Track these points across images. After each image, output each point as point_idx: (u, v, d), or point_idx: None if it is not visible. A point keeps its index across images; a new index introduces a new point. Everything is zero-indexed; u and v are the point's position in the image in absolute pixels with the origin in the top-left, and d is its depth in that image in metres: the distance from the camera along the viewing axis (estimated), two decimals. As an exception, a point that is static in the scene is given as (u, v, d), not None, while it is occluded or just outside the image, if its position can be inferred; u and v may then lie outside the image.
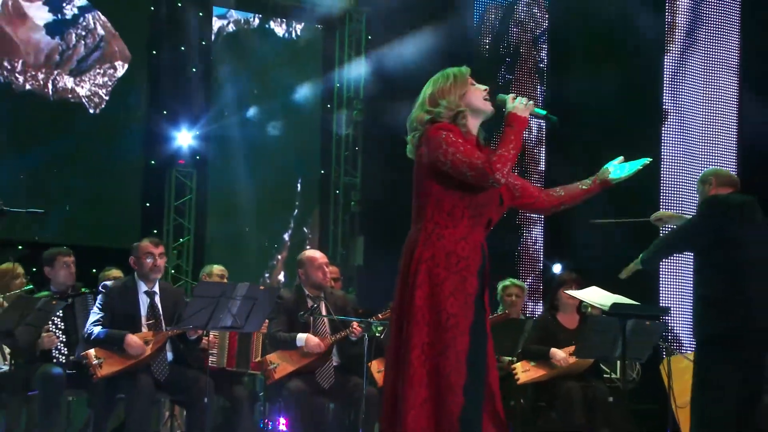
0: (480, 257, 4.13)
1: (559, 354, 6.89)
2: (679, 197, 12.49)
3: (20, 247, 10.33)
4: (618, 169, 4.42)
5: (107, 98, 11.51)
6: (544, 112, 4.27)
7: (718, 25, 13.29)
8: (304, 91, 12.69)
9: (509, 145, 4.12)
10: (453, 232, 4.10)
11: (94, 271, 9.08)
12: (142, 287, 6.53)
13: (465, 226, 4.12)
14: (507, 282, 7.91)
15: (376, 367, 7.12)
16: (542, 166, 13.27)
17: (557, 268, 12.21)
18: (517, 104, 4.17)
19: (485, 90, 4.25)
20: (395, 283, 4.29)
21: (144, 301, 6.53)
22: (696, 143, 13.15)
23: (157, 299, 6.53)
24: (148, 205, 11.43)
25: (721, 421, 5.48)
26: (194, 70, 11.83)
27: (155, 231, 10.94)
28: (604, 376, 7.75)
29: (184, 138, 11.30)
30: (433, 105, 4.23)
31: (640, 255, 6.21)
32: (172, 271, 10.69)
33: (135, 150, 11.47)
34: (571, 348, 6.97)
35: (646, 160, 4.41)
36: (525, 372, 7.07)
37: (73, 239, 10.74)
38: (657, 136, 12.84)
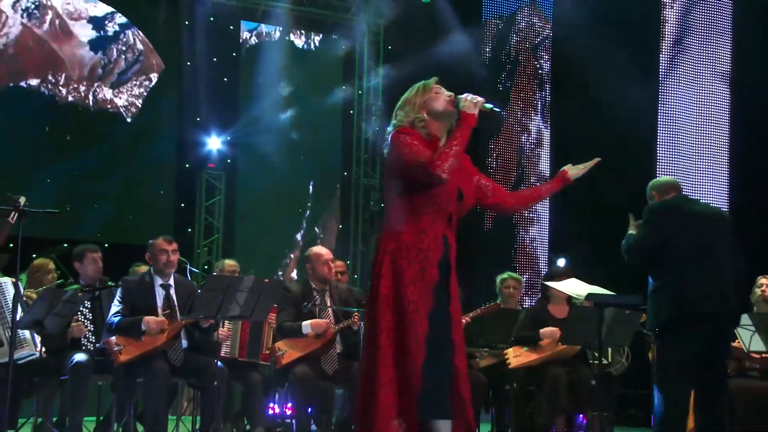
0: (441, 249, 4.21)
1: (548, 331, 6.97)
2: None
3: (65, 246, 10.63)
4: (574, 169, 4.52)
5: (142, 107, 11.76)
6: (490, 106, 4.29)
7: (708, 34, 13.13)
8: (325, 99, 12.85)
9: (453, 143, 4.21)
10: (413, 227, 4.20)
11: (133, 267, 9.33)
12: (158, 281, 6.65)
13: (425, 220, 4.21)
14: (505, 275, 7.94)
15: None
16: (542, 167, 13.34)
17: (561, 262, 12.24)
18: (467, 103, 4.26)
19: (450, 95, 4.32)
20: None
21: (160, 294, 6.64)
22: (689, 160, 13.06)
23: (172, 291, 6.65)
24: (183, 205, 11.66)
25: (676, 400, 5.62)
26: (225, 80, 12.09)
27: (189, 230, 11.25)
28: (594, 362, 7.54)
29: (214, 143, 11.55)
30: (401, 111, 4.38)
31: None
32: (205, 266, 10.97)
33: (169, 154, 11.72)
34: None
35: (597, 159, 4.50)
36: (516, 357, 7.15)
37: (113, 237, 11.06)
38: (652, 157, 12.87)
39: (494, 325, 7.57)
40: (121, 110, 11.61)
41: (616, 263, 7.38)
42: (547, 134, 13.40)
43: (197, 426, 6.84)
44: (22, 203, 5.76)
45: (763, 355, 6.50)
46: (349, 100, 12.96)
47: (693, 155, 13.09)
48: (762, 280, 7.16)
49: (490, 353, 7.52)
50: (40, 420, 6.97)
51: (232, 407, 7.84)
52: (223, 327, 6.88)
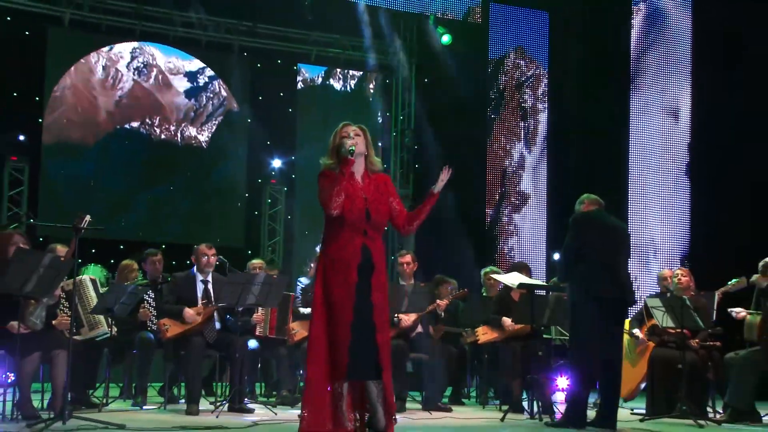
0: (359, 257, 4.52)
1: (507, 321, 7.32)
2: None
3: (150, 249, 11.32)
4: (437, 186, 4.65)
5: (219, 136, 12.43)
6: (353, 149, 4.45)
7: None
8: (367, 124, 13.16)
9: (334, 189, 4.49)
10: (335, 245, 4.55)
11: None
12: (199, 277, 7.00)
13: (344, 237, 4.53)
14: (487, 269, 8.39)
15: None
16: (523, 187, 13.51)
17: (556, 256, 12.41)
18: (342, 150, 4.53)
19: (343, 142, 4.57)
20: None
21: (200, 287, 6.99)
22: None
23: (209, 285, 6.99)
24: (256, 213, 12.34)
25: (586, 362, 5.96)
26: (290, 110, 12.75)
27: (257, 233, 12.04)
28: (551, 336, 8.01)
29: (277, 163, 12.21)
30: (327, 156, 4.67)
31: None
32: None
33: (241, 173, 12.36)
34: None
35: (447, 169, 4.66)
36: (484, 335, 7.60)
37: (197, 240, 11.76)
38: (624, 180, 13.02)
39: (475, 310, 8.09)
40: (203, 143, 12.32)
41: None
42: (529, 158, 13.47)
43: (227, 391, 7.22)
44: (85, 220, 5.83)
45: (677, 330, 6.84)
46: (387, 125, 13.29)
47: (658, 170, 13.18)
48: (677, 271, 7.54)
49: (471, 332, 7.90)
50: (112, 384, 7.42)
51: (271, 377, 8.27)
52: (257, 312, 7.23)
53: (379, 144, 12.86)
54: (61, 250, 6.31)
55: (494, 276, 7.60)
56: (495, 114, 13.53)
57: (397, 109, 13.31)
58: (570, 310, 6.13)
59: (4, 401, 5.88)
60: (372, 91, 13.55)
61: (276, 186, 12.38)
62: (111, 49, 12.11)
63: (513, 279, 6.84)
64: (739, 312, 7.08)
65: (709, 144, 12.50)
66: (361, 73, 13.38)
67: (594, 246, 5.98)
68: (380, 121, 13.35)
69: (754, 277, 7.12)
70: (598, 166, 12.62)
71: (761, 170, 11.34)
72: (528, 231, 13.47)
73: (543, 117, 13.60)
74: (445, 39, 12.61)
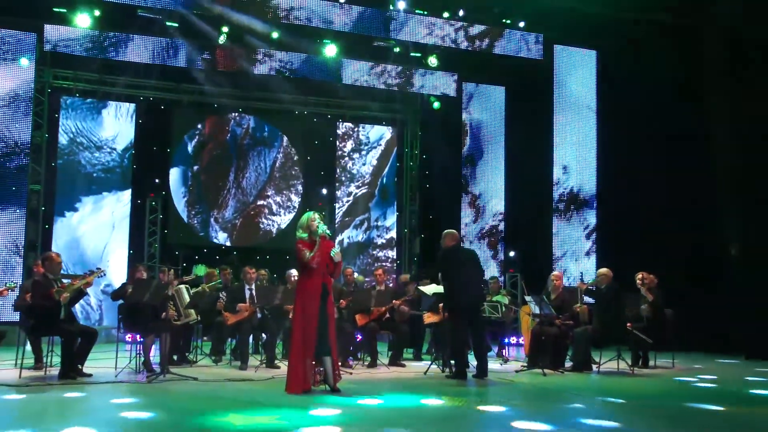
0: (320, 289, 5.52)
1: (426, 315, 8.35)
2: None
3: (234, 252, 12.71)
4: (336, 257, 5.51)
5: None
6: (329, 233, 5.52)
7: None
8: (382, 165, 14.07)
9: (316, 254, 5.44)
10: (309, 281, 5.56)
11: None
12: (246, 286, 8.05)
13: (314, 278, 5.56)
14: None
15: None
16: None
17: (512, 253, 13.31)
18: (321, 231, 5.54)
19: (316, 223, 5.60)
20: None
21: (247, 294, 8.00)
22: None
23: (253, 292, 7.99)
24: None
25: (460, 342, 6.96)
26: (340, 153, 13.70)
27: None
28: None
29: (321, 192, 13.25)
30: (299, 230, 5.75)
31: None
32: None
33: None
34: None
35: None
36: (429, 318, 8.58)
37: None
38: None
39: (425, 302, 8.92)
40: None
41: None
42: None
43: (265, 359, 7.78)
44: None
45: (542, 314, 7.77)
46: (399, 162, 14.13)
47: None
48: (555, 274, 8.34)
49: (428, 315, 8.65)
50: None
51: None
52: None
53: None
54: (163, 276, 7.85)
55: (421, 288, 8.37)
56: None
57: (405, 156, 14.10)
58: (447, 308, 7.13)
59: (137, 362, 7.27)
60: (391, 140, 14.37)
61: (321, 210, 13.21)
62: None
63: (430, 289, 7.83)
64: (577, 306, 8.10)
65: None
66: (375, 126, 14.11)
67: (454, 269, 6.84)
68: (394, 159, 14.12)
69: (595, 279, 8.14)
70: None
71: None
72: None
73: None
74: (436, 105, 13.72)
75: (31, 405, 5.28)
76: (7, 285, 7.10)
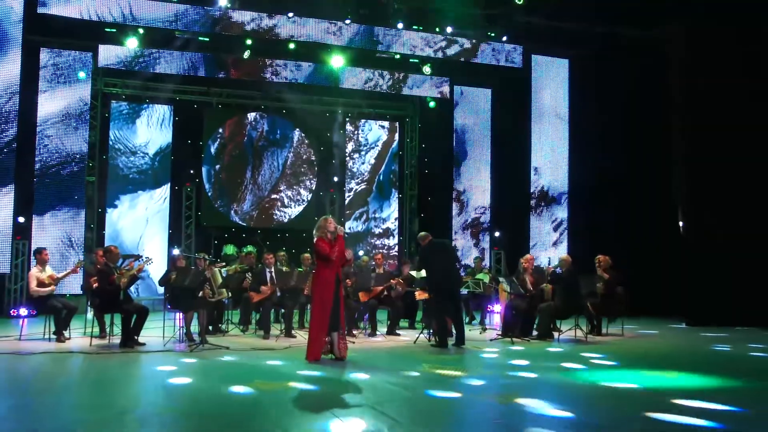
0: (335, 277, 5.97)
1: (417, 292, 8.72)
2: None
3: (258, 231, 12.85)
4: None
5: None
6: (347, 232, 6.23)
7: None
8: (379, 164, 14.14)
9: (335, 248, 5.86)
10: (327, 271, 6.01)
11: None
12: (266, 270, 8.54)
13: (330, 269, 6.00)
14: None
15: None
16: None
17: (497, 233, 13.51)
18: (337, 230, 5.99)
19: (332, 224, 6.03)
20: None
21: (267, 276, 8.50)
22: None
23: (273, 275, 8.46)
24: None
25: (442, 319, 7.42)
26: (346, 151, 13.82)
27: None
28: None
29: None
30: (318, 231, 6.12)
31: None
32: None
33: None
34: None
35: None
36: (420, 295, 8.92)
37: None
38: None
39: (419, 282, 9.16)
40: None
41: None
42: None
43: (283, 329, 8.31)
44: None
45: (513, 293, 8.28)
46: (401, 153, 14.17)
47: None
48: (526, 257, 8.72)
49: (419, 293, 8.97)
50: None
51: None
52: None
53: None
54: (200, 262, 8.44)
55: (413, 273, 8.90)
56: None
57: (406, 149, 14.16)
58: (430, 291, 7.66)
59: (180, 333, 7.79)
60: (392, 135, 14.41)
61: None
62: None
63: (419, 274, 8.42)
64: (543, 286, 8.58)
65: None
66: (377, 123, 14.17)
67: (436, 260, 7.35)
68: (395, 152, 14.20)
69: (558, 263, 8.61)
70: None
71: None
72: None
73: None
74: (432, 104, 13.92)
75: (99, 370, 5.74)
76: (80, 261, 7.94)
